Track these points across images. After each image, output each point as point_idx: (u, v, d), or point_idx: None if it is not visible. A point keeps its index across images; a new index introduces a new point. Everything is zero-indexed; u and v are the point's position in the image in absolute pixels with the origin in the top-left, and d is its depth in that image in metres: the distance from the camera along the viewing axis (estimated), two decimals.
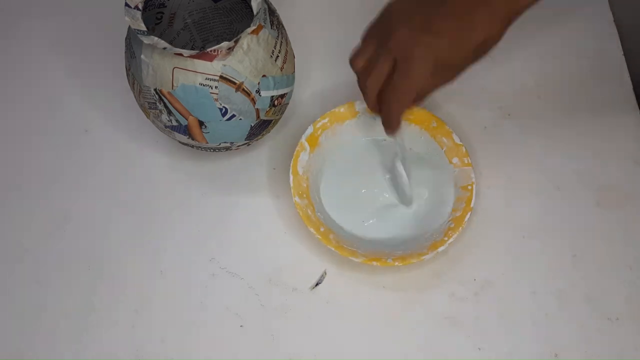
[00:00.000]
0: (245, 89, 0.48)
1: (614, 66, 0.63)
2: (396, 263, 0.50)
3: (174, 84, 0.47)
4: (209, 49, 0.46)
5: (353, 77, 0.57)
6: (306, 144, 0.56)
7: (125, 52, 0.51)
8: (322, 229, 0.52)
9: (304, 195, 0.54)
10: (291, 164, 0.55)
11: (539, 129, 0.60)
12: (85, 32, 0.66)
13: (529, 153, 0.59)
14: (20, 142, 0.60)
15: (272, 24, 0.49)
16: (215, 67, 0.46)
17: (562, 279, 0.53)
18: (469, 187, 0.54)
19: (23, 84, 0.63)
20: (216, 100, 0.48)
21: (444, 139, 0.56)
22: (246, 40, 0.47)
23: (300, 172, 0.55)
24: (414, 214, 0.56)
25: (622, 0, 0.67)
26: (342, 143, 0.58)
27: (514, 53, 0.64)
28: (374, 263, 0.50)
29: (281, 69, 0.50)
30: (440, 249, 0.51)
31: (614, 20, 0.66)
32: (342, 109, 0.58)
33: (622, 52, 0.64)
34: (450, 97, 0.60)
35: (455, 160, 0.56)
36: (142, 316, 0.52)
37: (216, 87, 0.47)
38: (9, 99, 0.62)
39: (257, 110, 0.50)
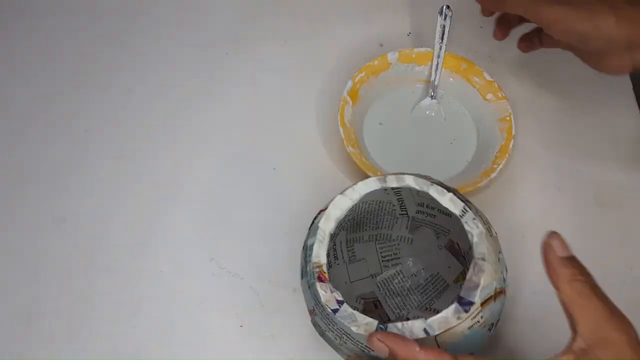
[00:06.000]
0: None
1: None
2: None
3: None
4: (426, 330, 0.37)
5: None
6: (349, 98, 0.57)
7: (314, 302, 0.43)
8: (378, 173, 0.53)
9: (356, 145, 0.56)
10: (338, 118, 0.56)
11: (539, 128, 0.60)
12: (85, 32, 0.66)
13: (529, 153, 0.59)
14: (20, 142, 0.60)
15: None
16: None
17: None
18: (507, 118, 0.56)
19: (23, 84, 0.63)
20: None
21: (476, 78, 0.59)
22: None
23: (348, 125, 0.56)
24: (458, 150, 0.58)
25: None
26: (379, 94, 0.60)
27: (513, 53, 0.64)
28: None
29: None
30: (493, 175, 0.53)
31: None
32: (375, 62, 0.59)
33: None
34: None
35: (489, 96, 0.58)
36: (142, 316, 0.52)
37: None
38: (9, 98, 0.62)
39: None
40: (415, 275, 0.52)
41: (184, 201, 0.57)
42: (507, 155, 0.55)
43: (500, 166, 0.54)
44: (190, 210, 0.56)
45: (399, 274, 0.52)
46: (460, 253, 0.50)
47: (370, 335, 0.36)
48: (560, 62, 0.64)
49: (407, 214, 0.50)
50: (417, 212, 0.50)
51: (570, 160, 0.58)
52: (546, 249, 0.36)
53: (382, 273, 0.52)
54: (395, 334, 0.36)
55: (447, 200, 0.41)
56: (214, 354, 0.50)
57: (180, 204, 0.56)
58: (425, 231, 0.51)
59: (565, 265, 0.35)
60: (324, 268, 0.40)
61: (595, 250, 0.54)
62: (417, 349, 0.34)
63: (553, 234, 0.36)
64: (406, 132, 0.60)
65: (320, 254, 0.41)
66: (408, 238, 0.52)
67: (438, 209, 0.49)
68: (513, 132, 0.56)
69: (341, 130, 0.55)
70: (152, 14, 0.67)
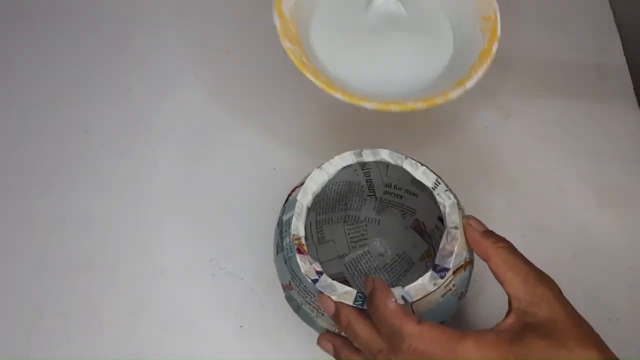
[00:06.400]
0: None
1: (614, 66, 0.63)
2: (418, 105, 0.43)
3: None
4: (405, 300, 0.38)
5: None
6: None
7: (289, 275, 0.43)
8: (322, 77, 0.44)
9: (295, 42, 0.46)
10: (274, 4, 0.46)
11: (539, 129, 0.60)
12: (85, 32, 0.66)
13: (529, 153, 0.59)
14: (19, 142, 0.60)
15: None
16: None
17: (562, 279, 0.53)
18: (492, 17, 0.49)
19: (23, 83, 0.63)
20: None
21: None
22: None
23: (287, 15, 0.46)
24: (430, 56, 0.48)
25: (622, 0, 0.67)
26: None
27: (514, 53, 0.64)
28: (393, 107, 0.42)
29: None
30: (469, 84, 0.44)
31: (614, 20, 0.66)
32: None
33: (622, 52, 0.64)
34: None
35: None
36: (142, 317, 0.52)
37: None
38: (8, 98, 0.62)
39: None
40: (382, 255, 0.53)
41: (184, 201, 0.57)
42: (488, 60, 0.45)
43: (479, 74, 0.45)
44: (191, 210, 0.56)
45: (366, 255, 0.53)
46: (426, 232, 0.51)
47: (366, 278, 0.38)
48: (561, 63, 0.64)
49: (375, 195, 0.51)
50: (385, 192, 0.51)
51: (570, 160, 0.58)
52: (467, 228, 0.40)
53: (350, 254, 0.53)
54: (385, 283, 0.37)
55: (420, 174, 0.42)
56: (214, 354, 0.50)
57: (180, 203, 0.56)
58: (392, 212, 0.53)
59: (486, 237, 0.39)
60: (303, 241, 0.41)
61: (595, 250, 0.54)
62: (393, 299, 0.36)
63: (468, 216, 0.41)
64: (367, 35, 0.49)
65: (299, 227, 0.41)
66: (375, 219, 0.53)
67: (405, 189, 0.50)
68: (498, 33, 0.47)
69: (276, 20, 0.45)
70: (152, 14, 0.67)
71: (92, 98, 0.62)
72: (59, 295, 0.52)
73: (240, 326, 0.51)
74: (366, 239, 0.54)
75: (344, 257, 0.53)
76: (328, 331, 0.40)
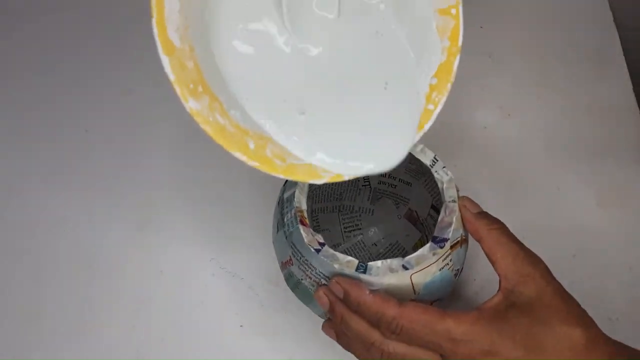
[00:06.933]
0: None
1: (614, 66, 0.63)
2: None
3: None
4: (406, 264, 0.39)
5: None
6: None
7: (291, 250, 0.42)
8: (251, 145, 0.30)
9: (200, 89, 0.29)
10: (156, 32, 0.27)
11: (539, 129, 0.60)
12: (85, 32, 0.66)
13: (529, 153, 0.59)
14: (20, 142, 0.60)
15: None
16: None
17: (562, 279, 0.53)
18: (453, 11, 0.32)
19: (23, 83, 0.63)
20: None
21: None
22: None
23: (177, 43, 0.29)
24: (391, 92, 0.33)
25: (622, 0, 0.67)
26: None
27: (514, 53, 0.64)
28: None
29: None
30: (427, 126, 0.31)
31: (614, 20, 0.66)
32: None
33: (622, 52, 0.64)
34: (449, 97, 0.60)
35: None
36: (142, 316, 0.52)
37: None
38: (9, 98, 0.62)
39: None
40: (376, 245, 0.54)
41: (184, 201, 0.57)
42: (448, 85, 0.31)
43: (439, 108, 0.31)
44: (191, 210, 0.56)
45: (360, 244, 0.54)
46: (419, 221, 0.52)
47: (331, 279, 0.39)
48: (561, 63, 0.64)
49: (369, 185, 0.52)
50: (379, 182, 0.52)
51: (570, 160, 0.59)
52: (462, 209, 0.41)
53: (344, 243, 0.54)
54: (351, 280, 0.38)
55: (419, 151, 0.43)
56: (214, 354, 0.50)
57: (180, 203, 0.56)
58: (386, 202, 0.53)
59: (480, 218, 0.40)
60: (305, 214, 0.41)
61: (596, 250, 0.54)
62: (367, 292, 0.37)
63: (463, 197, 0.41)
64: (300, 38, 0.32)
65: (302, 201, 0.42)
66: (369, 209, 0.54)
67: (399, 179, 0.51)
68: (459, 41, 0.31)
69: (165, 61, 0.27)
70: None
71: (92, 98, 0.62)
72: (59, 295, 0.52)
73: (240, 326, 0.51)
74: (360, 228, 0.54)
75: (338, 247, 0.53)
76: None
